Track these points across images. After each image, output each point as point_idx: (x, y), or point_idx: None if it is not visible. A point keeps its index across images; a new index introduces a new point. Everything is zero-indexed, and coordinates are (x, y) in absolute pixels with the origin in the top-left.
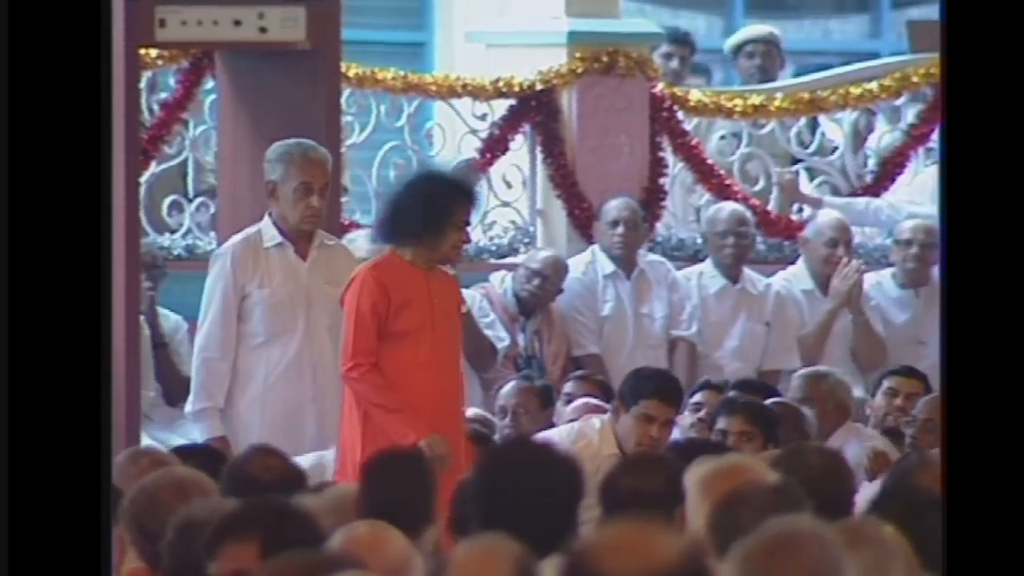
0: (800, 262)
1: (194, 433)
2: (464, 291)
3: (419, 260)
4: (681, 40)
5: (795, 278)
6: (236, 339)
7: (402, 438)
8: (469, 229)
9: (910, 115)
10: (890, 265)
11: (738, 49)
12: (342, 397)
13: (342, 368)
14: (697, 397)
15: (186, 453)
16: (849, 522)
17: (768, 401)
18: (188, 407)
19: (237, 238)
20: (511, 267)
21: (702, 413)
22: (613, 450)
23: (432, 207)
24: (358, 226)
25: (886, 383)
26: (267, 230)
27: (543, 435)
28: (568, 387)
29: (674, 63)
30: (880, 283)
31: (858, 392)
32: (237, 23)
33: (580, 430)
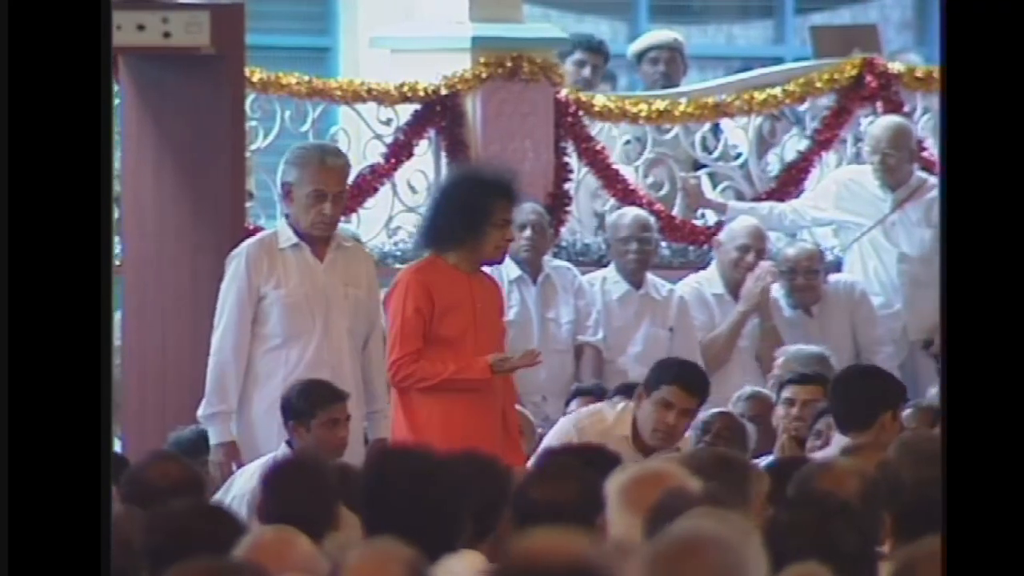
0: (713, 265)
1: None
2: None
3: (463, 263)
4: (595, 48)
5: (707, 281)
6: (251, 341)
7: (480, 375)
8: (512, 228)
9: (814, 120)
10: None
11: (641, 55)
12: (368, 401)
13: (389, 373)
14: (573, 405)
15: None
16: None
17: (710, 412)
18: (200, 410)
19: (253, 239)
20: None
21: None
22: (626, 432)
23: (471, 208)
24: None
25: (784, 393)
26: (283, 231)
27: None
28: None
29: (586, 71)
30: (775, 299)
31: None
32: (140, 28)
33: (599, 408)
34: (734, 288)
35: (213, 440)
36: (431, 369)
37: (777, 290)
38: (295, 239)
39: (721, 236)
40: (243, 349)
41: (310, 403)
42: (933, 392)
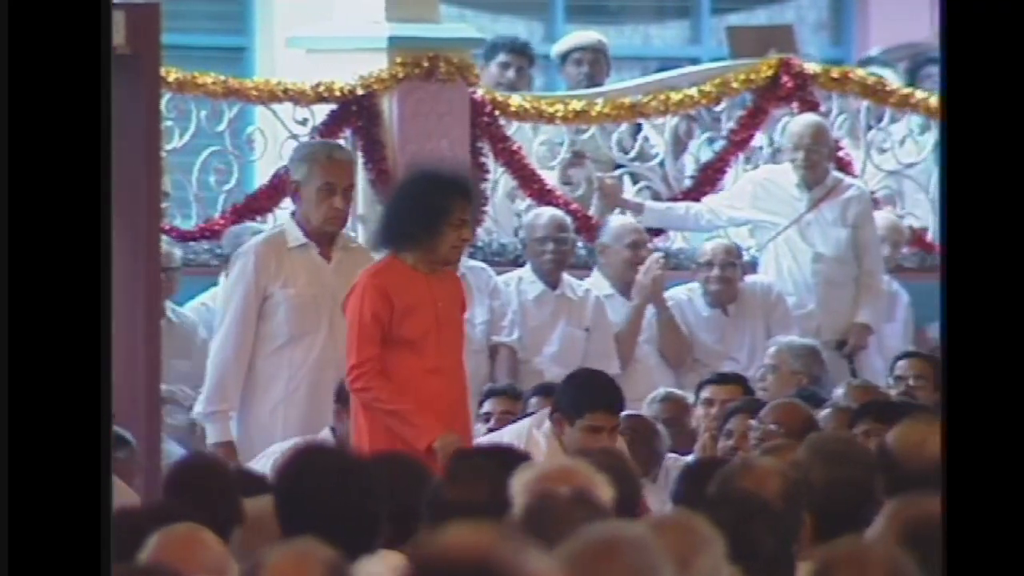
0: (595, 270)
1: None
2: None
3: (420, 264)
4: (520, 51)
5: (594, 286)
6: (254, 341)
7: (416, 442)
8: (468, 228)
9: (730, 121)
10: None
11: (565, 56)
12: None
13: (348, 379)
14: (486, 407)
15: None
16: (661, 515)
17: (623, 415)
18: (200, 407)
19: (259, 238)
20: None
21: (492, 423)
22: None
23: (426, 208)
24: (177, 231)
25: (703, 393)
26: (291, 230)
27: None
28: None
29: (510, 73)
30: (691, 300)
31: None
32: None
33: (531, 438)
34: (625, 287)
35: (211, 439)
36: (388, 397)
37: (694, 288)
38: (303, 239)
39: (604, 239)
40: (246, 349)
41: None
42: (839, 392)
